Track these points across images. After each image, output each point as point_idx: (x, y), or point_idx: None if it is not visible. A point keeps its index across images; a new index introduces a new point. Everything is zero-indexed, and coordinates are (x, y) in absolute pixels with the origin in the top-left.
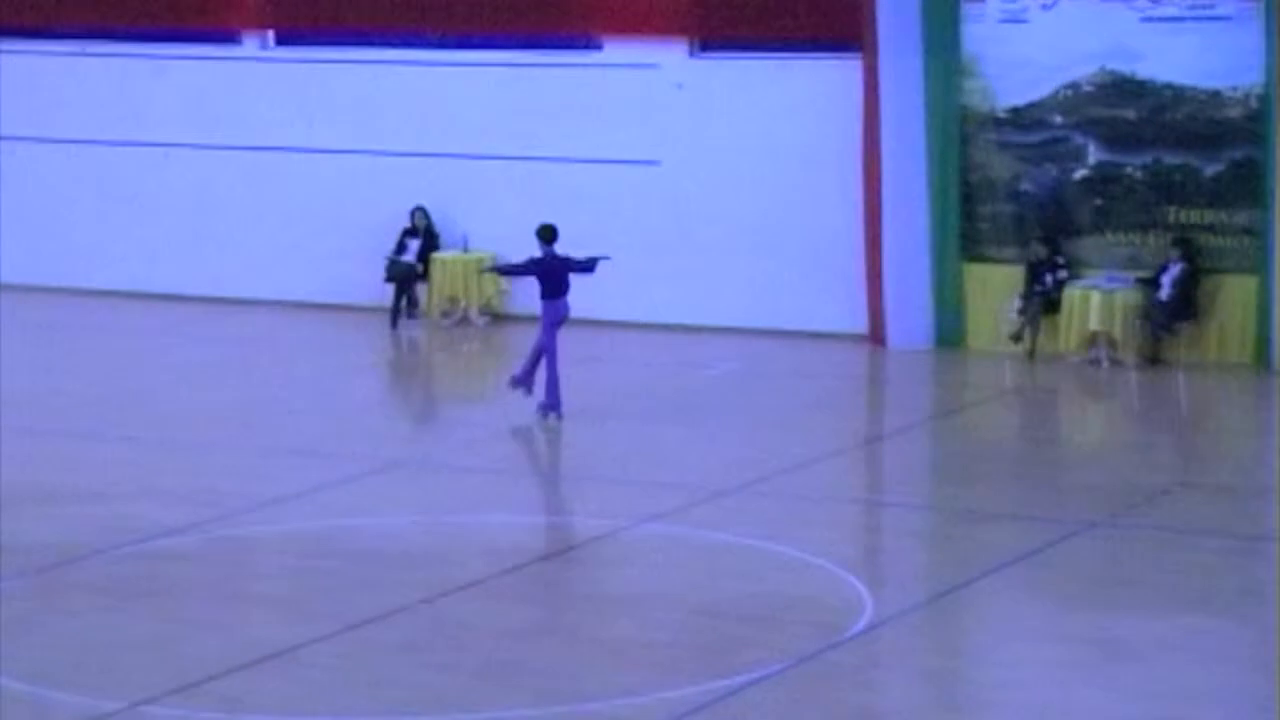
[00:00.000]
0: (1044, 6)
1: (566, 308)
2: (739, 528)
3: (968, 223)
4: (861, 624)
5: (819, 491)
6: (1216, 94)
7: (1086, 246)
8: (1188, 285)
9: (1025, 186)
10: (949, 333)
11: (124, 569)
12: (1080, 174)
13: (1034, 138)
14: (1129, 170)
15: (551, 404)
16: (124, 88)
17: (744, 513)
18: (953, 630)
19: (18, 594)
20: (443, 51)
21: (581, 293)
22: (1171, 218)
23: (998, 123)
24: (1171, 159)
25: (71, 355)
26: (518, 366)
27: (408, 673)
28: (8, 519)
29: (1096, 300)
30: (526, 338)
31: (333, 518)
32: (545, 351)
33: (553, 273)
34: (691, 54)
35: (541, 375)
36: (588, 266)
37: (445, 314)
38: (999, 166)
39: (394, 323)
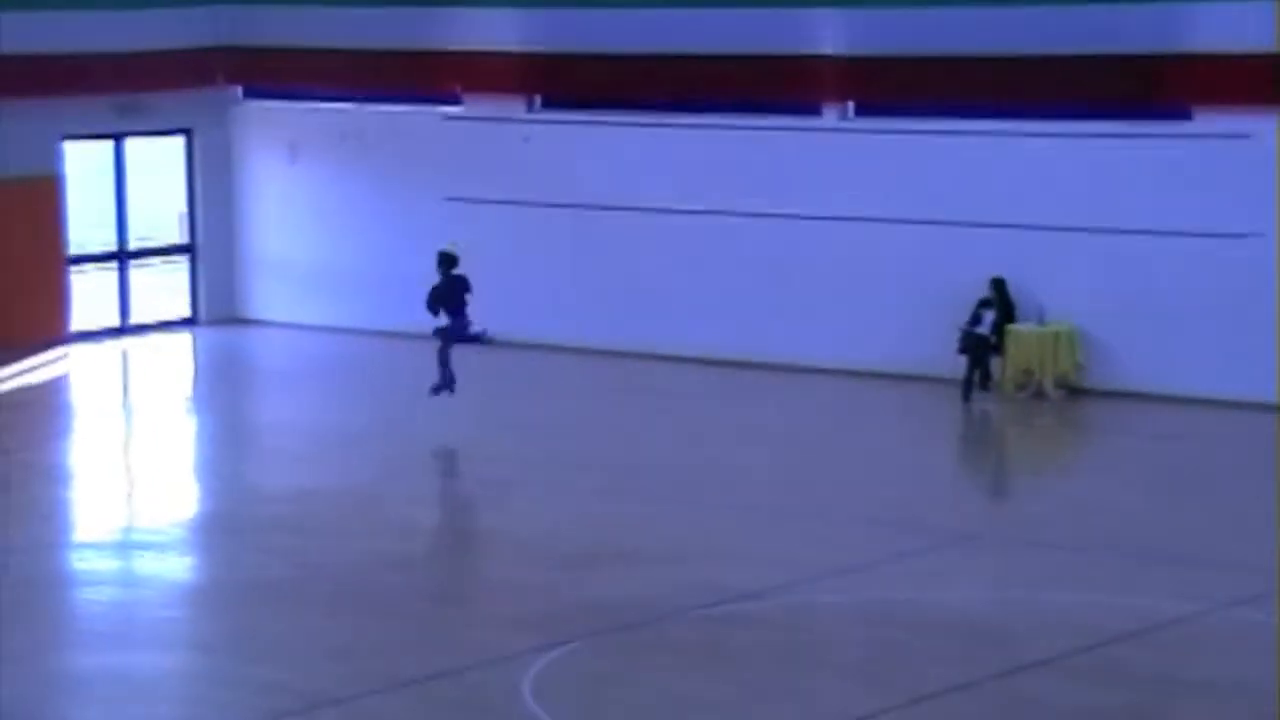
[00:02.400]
0: None
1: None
2: None
3: None
4: None
5: None
6: None
7: None
8: None
9: None
10: None
11: (699, 631)
12: None
13: None
14: None
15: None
16: (708, 157)
17: None
18: None
19: (601, 651)
20: (1017, 122)
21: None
22: None
23: None
24: None
25: (646, 419)
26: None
27: None
28: (591, 578)
29: None
30: (1106, 412)
31: (905, 589)
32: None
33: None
34: None
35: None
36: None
37: (1020, 387)
38: None
39: (966, 395)
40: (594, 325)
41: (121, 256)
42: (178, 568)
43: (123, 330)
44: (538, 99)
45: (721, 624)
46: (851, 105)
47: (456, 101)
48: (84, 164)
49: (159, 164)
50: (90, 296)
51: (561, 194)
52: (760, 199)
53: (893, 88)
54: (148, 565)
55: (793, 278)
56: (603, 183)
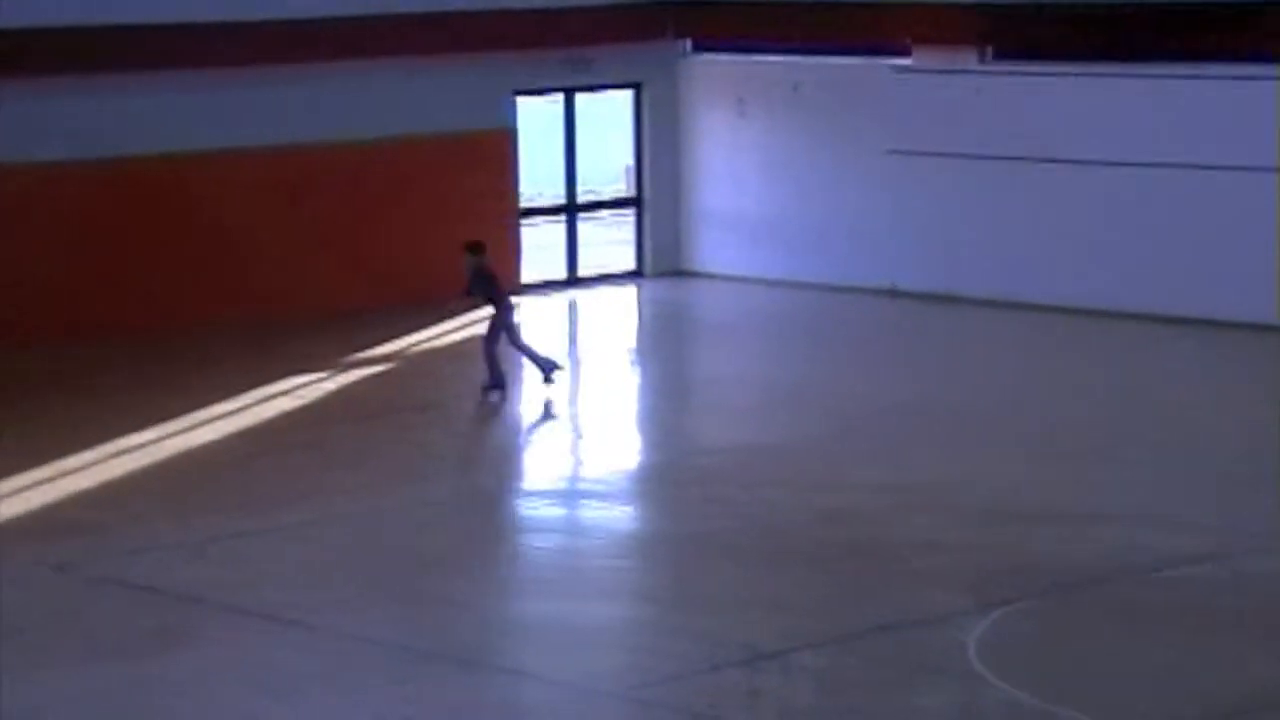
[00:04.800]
0: None
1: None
2: None
3: None
4: None
5: None
6: None
7: None
8: None
9: None
10: None
11: (1143, 594)
12: None
13: None
14: None
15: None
16: (1149, 109)
17: None
18: None
19: (1040, 613)
20: None
21: None
22: None
23: None
24: None
25: (1074, 375)
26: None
27: None
28: (1021, 537)
29: None
30: None
31: None
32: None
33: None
34: None
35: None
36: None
37: None
38: None
39: None
40: (1030, 279)
41: (570, 210)
42: (621, 518)
43: (570, 282)
44: (989, 50)
45: (1164, 587)
46: None
47: (906, 54)
48: (535, 118)
49: (607, 118)
50: (539, 249)
51: (1008, 147)
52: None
53: None
54: (593, 514)
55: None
56: (1049, 135)
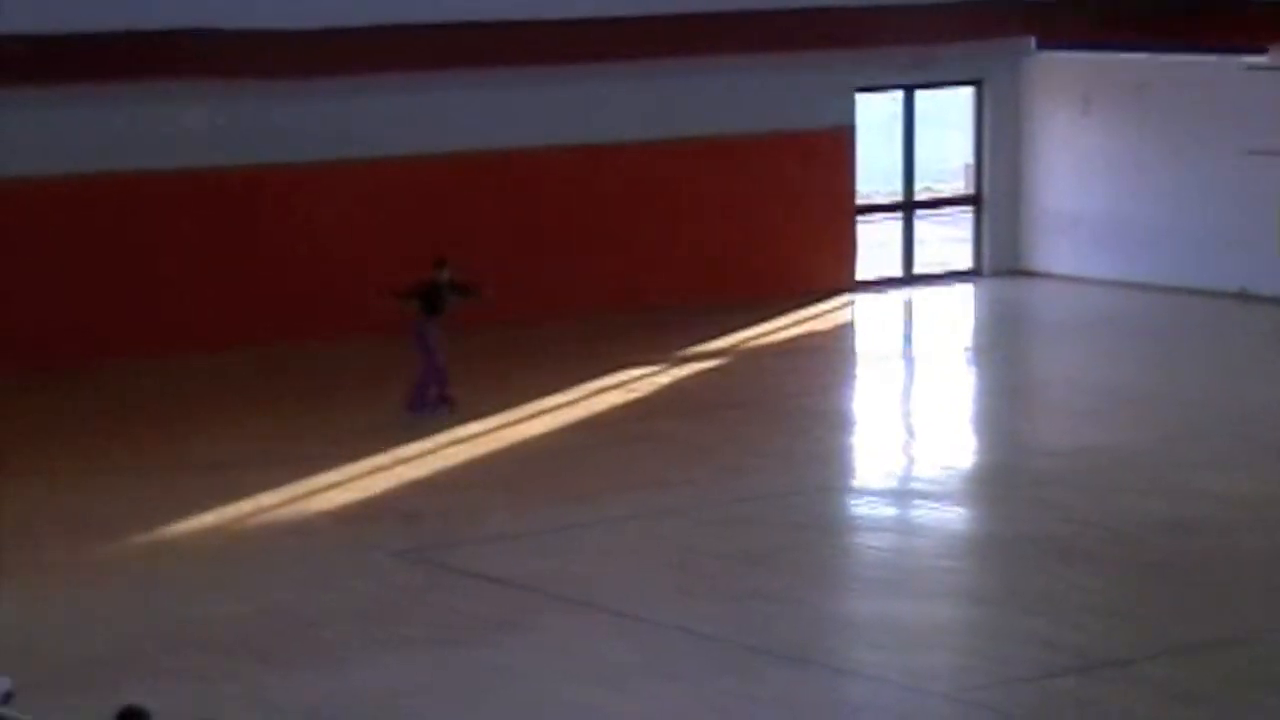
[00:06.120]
0: None
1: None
2: None
3: None
4: None
5: None
6: None
7: None
8: None
9: None
10: None
11: None
12: None
13: None
14: None
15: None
16: None
17: None
18: None
19: None
20: None
21: None
22: None
23: None
24: None
25: None
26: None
27: None
28: None
29: None
30: None
31: None
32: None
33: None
34: None
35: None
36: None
37: None
38: None
39: None
40: None
41: (907, 207)
42: (953, 518)
43: (906, 280)
44: None
45: None
46: None
47: (1261, 51)
48: (871, 115)
49: (945, 115)
50: (875, 246)
51: None
52: None
53: None
54: (924, 514)
55: None
56: None
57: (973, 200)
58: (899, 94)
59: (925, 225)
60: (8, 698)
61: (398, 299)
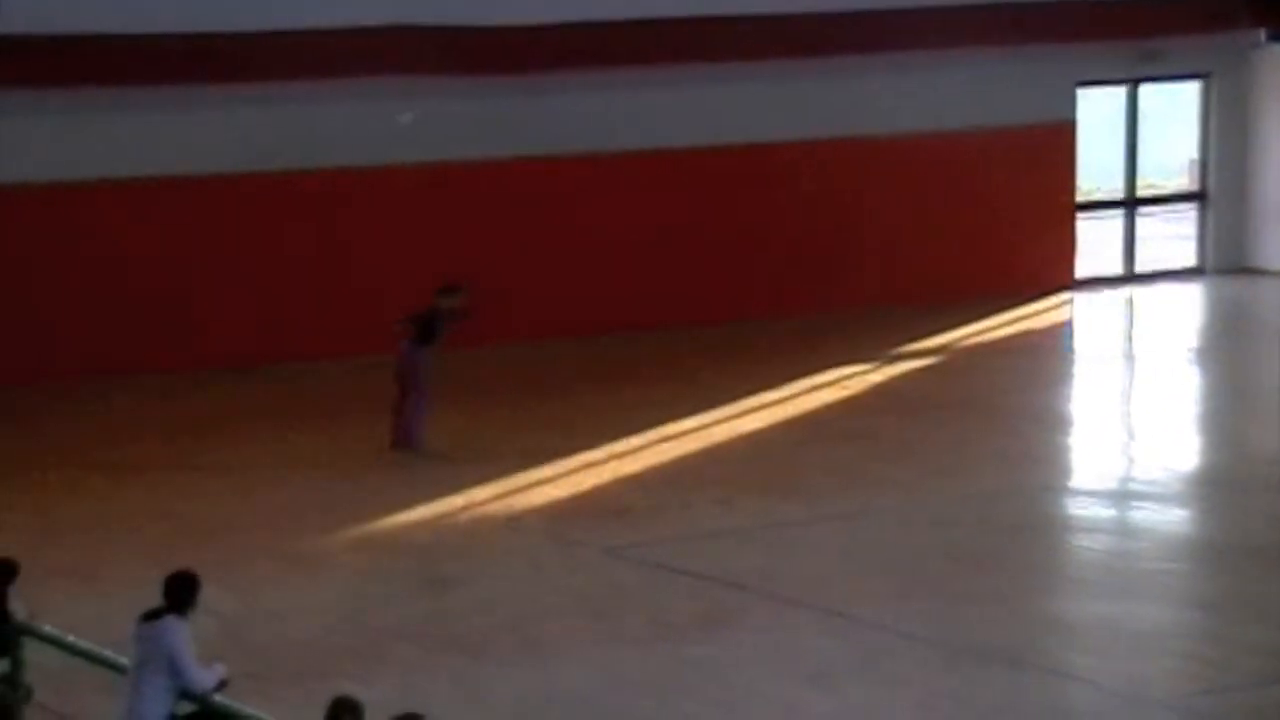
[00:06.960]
0: None
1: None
2: None
3: None
4: None
5: None
6: None
7: None
8: None
9: None
10: None
11: None
12: None
13: None
14: None
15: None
16: None
17: None
18: None
19: None
20: None
21: None
22: None
23: None
24: None
25: None
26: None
27: None
28: None
29: None
30: None
31: None
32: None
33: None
34: None
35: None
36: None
37: None
38: None
39: None
40: None
41: (1130, 204)
42: (1173, 521)
43: (1128, 278)
44: None
45: None
46: None
47: None
48: (1094, 110)
49: (1171, 109)
50: (1096, 243)
51: None
52: None
53: None
54: (1143, 516)
55: None
56: None
57: (1198, 196)
58: (1122, 89)
59: (1148, 222)
60: (221, 685)
61: (396, 323)
